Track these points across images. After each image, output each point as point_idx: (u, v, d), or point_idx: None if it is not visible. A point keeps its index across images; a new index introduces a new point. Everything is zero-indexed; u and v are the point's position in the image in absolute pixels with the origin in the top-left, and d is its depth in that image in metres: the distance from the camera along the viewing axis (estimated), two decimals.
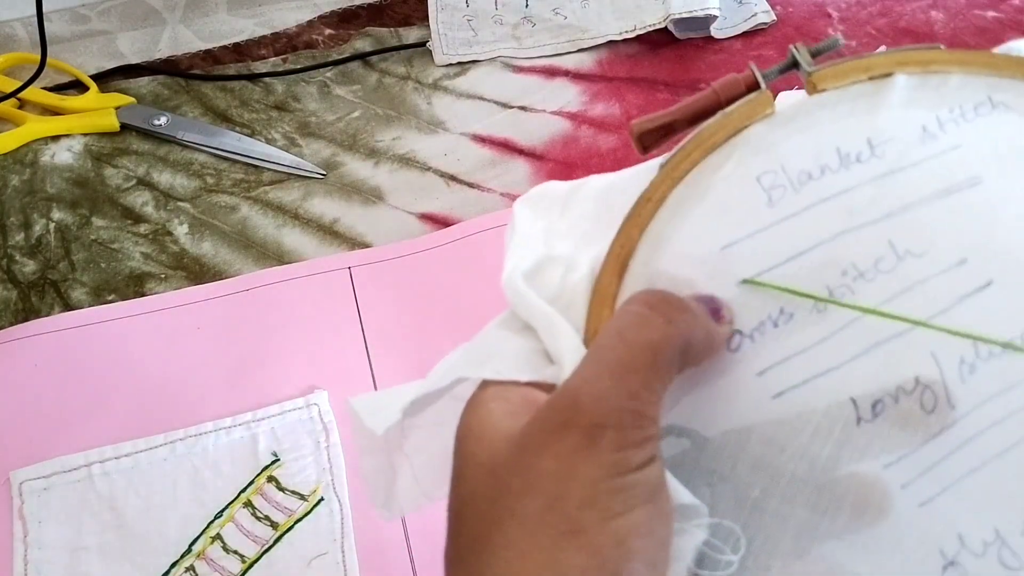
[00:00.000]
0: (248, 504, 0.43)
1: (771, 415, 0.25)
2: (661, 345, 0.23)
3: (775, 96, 0.30)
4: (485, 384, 0.26)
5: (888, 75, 0.29)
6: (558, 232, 0.30)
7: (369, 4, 0.67)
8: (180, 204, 0.56)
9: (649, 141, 0.30)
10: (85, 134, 0.59)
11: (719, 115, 0.29)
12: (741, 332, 0.26)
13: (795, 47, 0.30)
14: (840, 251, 0.27)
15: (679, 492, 0.24)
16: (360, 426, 0.28)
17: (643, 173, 0.30)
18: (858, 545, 0.24)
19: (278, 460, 0.45)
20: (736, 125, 0.29)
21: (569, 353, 0.26)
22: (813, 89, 0.29)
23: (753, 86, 0.29)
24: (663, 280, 0.27)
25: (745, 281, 0.27)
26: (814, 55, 0.30)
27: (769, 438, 0.25)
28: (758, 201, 0.28)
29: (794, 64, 0.30)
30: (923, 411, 0.25)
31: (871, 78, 0.29)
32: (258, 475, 0.44)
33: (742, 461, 0.25)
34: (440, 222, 0.54)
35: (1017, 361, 0.25)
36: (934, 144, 0.28)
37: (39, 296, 0.52)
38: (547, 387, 0.26)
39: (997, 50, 0.31)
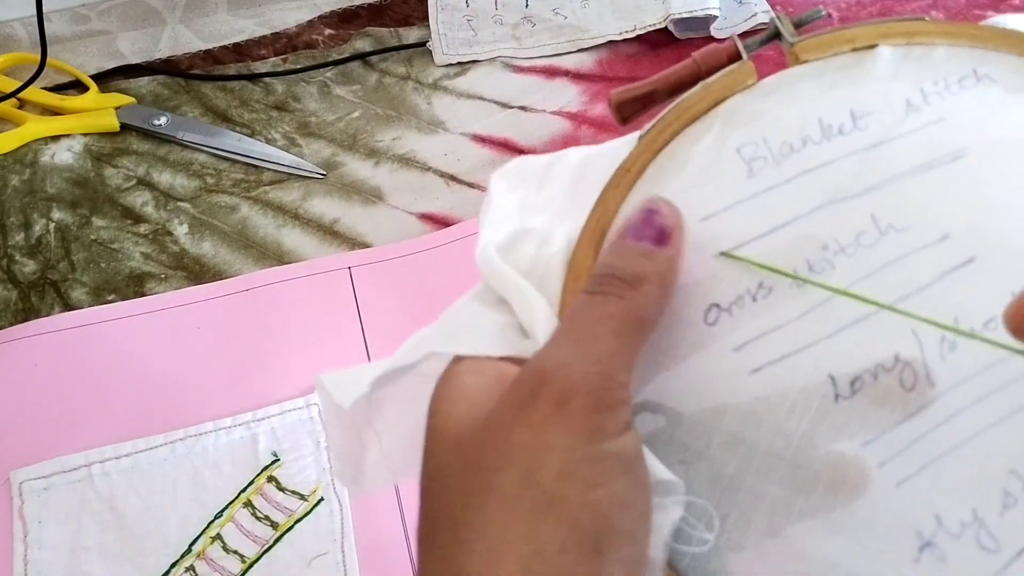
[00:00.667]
0: (248, 504, 0.43)
1: (748, 391, 0.25)
2: (618, 315, 0.24)
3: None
4: (458, 359, 0.26)
5: (872, 47, 0.29)
6: (534, 206, 0.30)
7: (369, 4, 0.67)
8: (180, 204, 0.56)
9: (628, 112, 0.30)
10: (85, 134, 0.59)
11: (700, 86, 0.29)
12: (719, 306, 0.26)
13: (777, 17, 0.29)
14: (821, 225, 0.26)
15: (656, 467, 0.24)
16: (328, 401, 0.28)
17: (622, 146, 0.29)
18: (833, 524, 0.24)
19: (278, 460, 0.44)
20: (717, 96, 0.29)
21: (542, 325, 0.26)
22: (795, 60, 0.29)
23: (735, 56, 0.29)
24: None
25: (723, 254, 0.26)
26: (797, 26, 0.29)
27: (745, 414, 0.25)
28: (738, 173, 0.27)
29: (776, 35, 0.29)
30: (902, 389, 0.25)
31: (854, 49, 0.29)
32: (258, 475, 0.44)
33: (717, 437, 0.25)
34: (440, 222, 0.54)
35: (999, 337, 0.25)
36: (918, 117, 0.28)
37: (39, 296, 0.52)
38: (520, 362, 0.25)
39: (983, 23, 0.30)
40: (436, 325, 0.28)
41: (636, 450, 0.23)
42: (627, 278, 0.24)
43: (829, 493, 0.24)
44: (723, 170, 0.27)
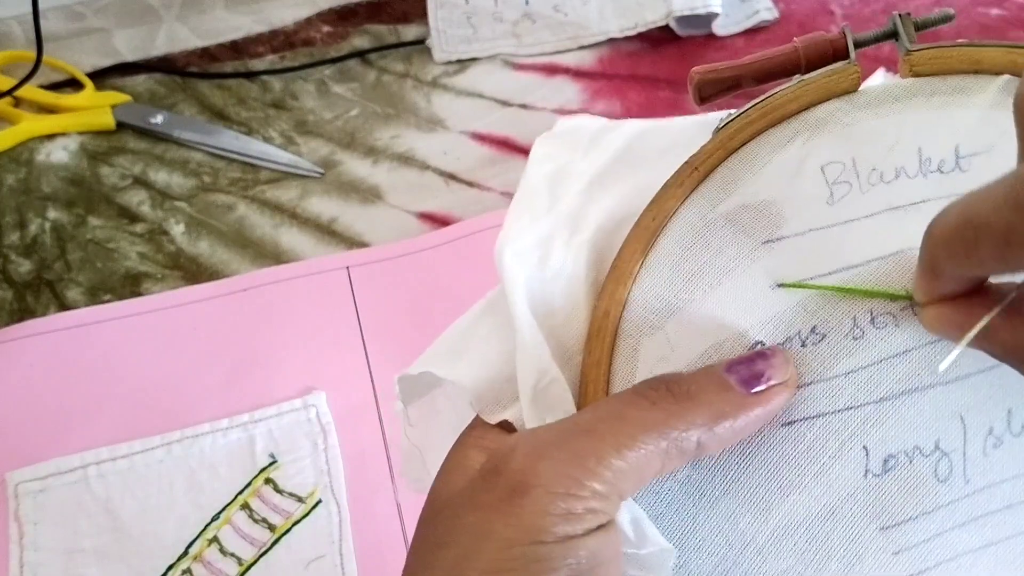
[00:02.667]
0: (245, 506, 0.43)
1: (776, 444, 0.23)
2: (634, 425, 0.21)
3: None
4: (472, 426, 0.25)
5: (998, 74, 0.25)
6: (574, 173, 0.27)
7: (368, 1, 0.66)
8: (176, 203, 0.55)
9: (708, 92, 0.26)
10: (81, 132, 0.59)
11: (796, 81, 0.26)
12: (763, 343, 0.24)
13: (899, 15, 0.26)
14: (895, 274, 0.24)
15: (651, 534, 0.22)
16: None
17: (691, 128, 0.27)
18: None
19: (275, 462, 0.44)
20: (812, 98, 0.25)
21: (528, 394, 0.24)
22: (909, 71, 0.26)
23: (841, 53, 0.26)
24: (686, 272, 0.25)
25: (780, 285, 0.24)
26: (919, 28, 0.26)
27: (770, 470, 0.24)
28: (818, 195, 0.25)
29: (893, 34, 0.26)
30: (935, 479, 0.23)
31: (977, 72, 0.25)
32: (255, 477, 0.44)
33: (736, 487, 0.24)
34: (439, 221, 0.53)
35: None
36: None
37: (35, 296, 0.51)
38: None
39: None
40: (444, 335, 0.27)
41: (596, 555, 0.20)
42: (680, 397, 0.22)
43: (839, 572, 0.23)
44: (802, 189, 0.25)
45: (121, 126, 0.59)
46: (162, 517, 0.43)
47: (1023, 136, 0.19)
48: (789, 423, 0.24)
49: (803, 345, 0.24)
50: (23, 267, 0.53)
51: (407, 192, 0.55)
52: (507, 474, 0.20)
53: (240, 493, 0.43)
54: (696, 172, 0.26)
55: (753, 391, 0.22)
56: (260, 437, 0.45)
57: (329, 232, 0.54)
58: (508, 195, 0.54)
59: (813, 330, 0.24)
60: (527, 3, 0.64)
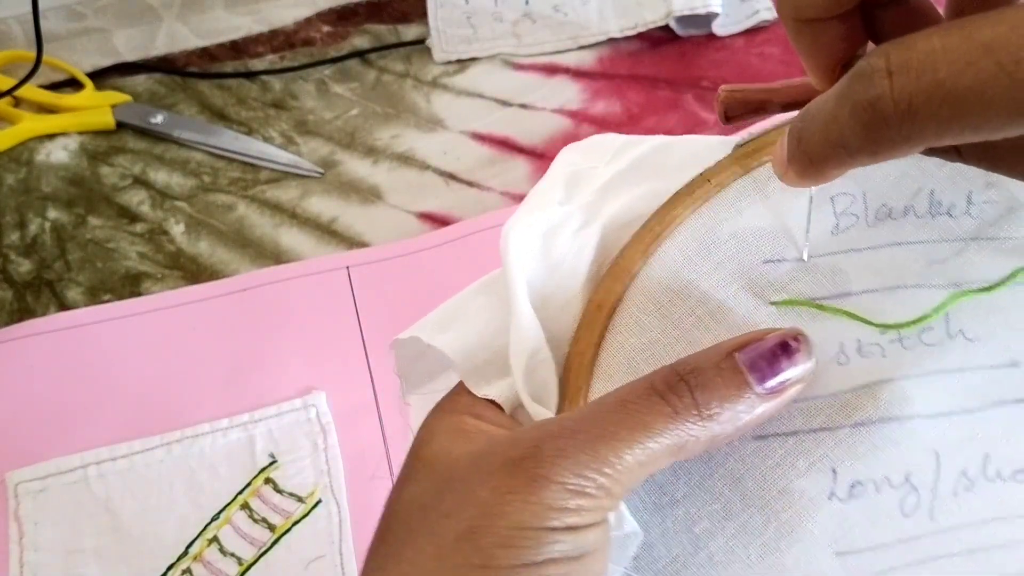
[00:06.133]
0: (245, 506, 0.43)
1: (746, 456, 0.24)
2: (655, 432, 0.22)
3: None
4: (462, 391, 0.26)
5: None
6: (593, 176, 0.28)
7: (368, 1, 0.66)
8: (176, 203, 0.55)
9: (735, 114, 0.27)
10: (81, 132, 0.59)
11: None
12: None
13: None
14: (888, 306, 0.24)
15: (624, 519, 0.22)
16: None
17: (714, 145, 0.27)
18: None
19: (275, 462, 0.44)
20: None
21: (522, 369, 0.24)
22: None
23: None
24: (685, 280, 0.25)
25: (773, 303, 0.24)
26: None
27: (734, 480, 0.24)
28: (824, 223, 0.25)
29: None
30: (900, 512, 0.23)
31: None
32: (255, 477, 0.44)
33: (698, 491, 0.24)
34: (439, 221, 0.53)
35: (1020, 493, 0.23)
36: None
37: (35, 296, 0.51)
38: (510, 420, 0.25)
39: None
40: (442, 305, 0.28)
41: (594, 545, 0.22)
42: (702, 403, 0.22)
43: None
44: (810, 216, 0.25)
45: (121, 126, 0.59)
46: (162, 517, 0.43)
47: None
48: (762, 437, 0.24)
49: None
50: (23, 267, 0.53)
51: (407, 192, 0.55)
52: (531, 469, 0.21)
53: (240, 493, 0.43)
54: (708, 184, 0.26)
55: (769, 391, 0.22)
56: (260, 437, 0.45)
57: (329, 232, 0.53)
58: (508, 195, 0.54)
59: None
60: (527, 3, 0.64)
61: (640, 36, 0.61)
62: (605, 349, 0.26)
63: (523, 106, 0.59)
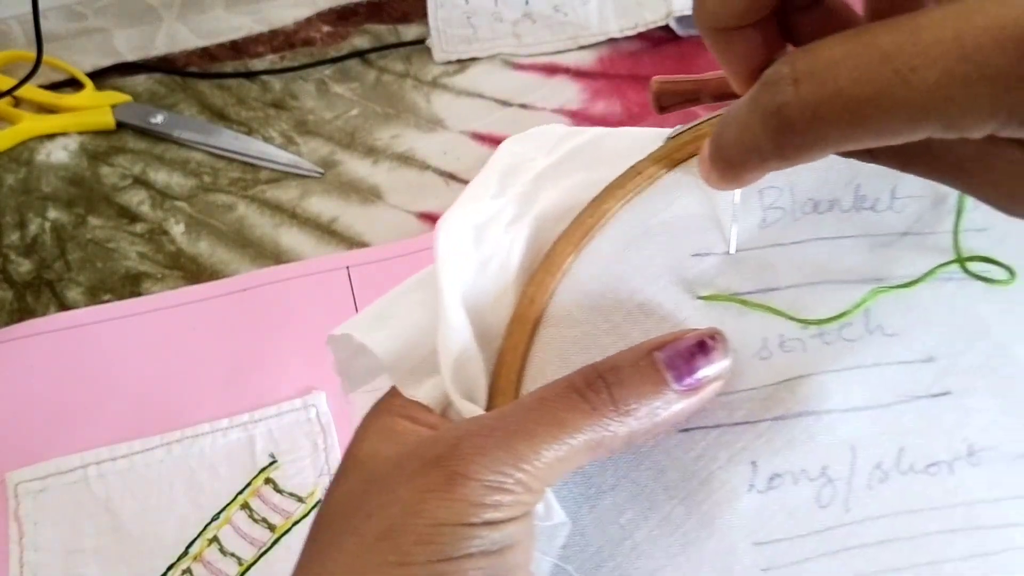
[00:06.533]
0: (245, 506, 0.43)
1: (671, 448, 0.24)
2: (573, 428, 0.22)
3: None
4: (395, 392, 0.26)
5: None
6: (530, 167, 0.28)
7: (368, 1, 0.66)
8: (176, 203, 0.55)
9: (667, 103, 0.27)
10: (81, 132, 0.59)
11: None
12: None
13: None
14: (810, 302, 0.25)
15: (552, 509, 0.23)
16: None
17: (651, 136, 0.27)
18: None
19: (275, 462, 0.44)
20: None
21: (450, 368, 0.24)
22: None
23: None
24: (616, 273, 0.25)
25: (701, 297, 0.25)
26: None
27: (659, 471, 0.24)
28: (751, 217, 0.26)
29: None
30: (816, 504, 0.23)
31: None
32: (255, 477, 0.44)
33: (625, 483, 0.24)
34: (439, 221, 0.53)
35: (936, 484, 0.23)
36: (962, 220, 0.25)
37: (35, 296, 0.51)
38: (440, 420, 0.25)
39: None
40: (372, 305, 0.28)
41: (515, 538, 0.22)
42: (619, 399, 0.22)
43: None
44: (737, 209, 0.26)
45: (121, 126, 0.59)
46: (162, 517, 0.43)
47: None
48: (686, 430, 0.24)
49: None
50: (23, 267, 0.53)
51: (407, 192, 0.55)
52: (449, 467, 0.22)
53: (240, 493, 0.43)
54: (639, 176, 0.26)
55: (687, 387, 0.23)
56: (260, 437, 0.45)
57: (329, 232, 0.53)
58: None
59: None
60: (527, 3, 0.64)
61: (640, 36, 0.61)
62: (537, 342, 0.26)
63: (523, 106, 0.59)
